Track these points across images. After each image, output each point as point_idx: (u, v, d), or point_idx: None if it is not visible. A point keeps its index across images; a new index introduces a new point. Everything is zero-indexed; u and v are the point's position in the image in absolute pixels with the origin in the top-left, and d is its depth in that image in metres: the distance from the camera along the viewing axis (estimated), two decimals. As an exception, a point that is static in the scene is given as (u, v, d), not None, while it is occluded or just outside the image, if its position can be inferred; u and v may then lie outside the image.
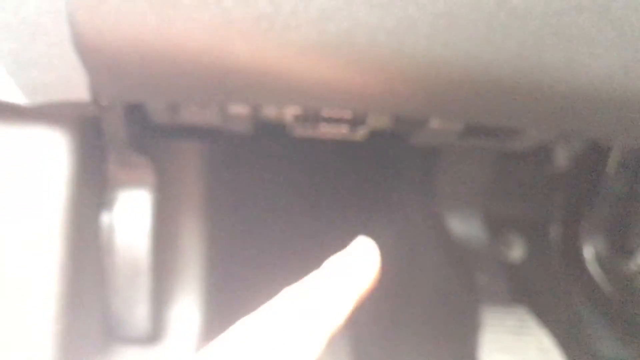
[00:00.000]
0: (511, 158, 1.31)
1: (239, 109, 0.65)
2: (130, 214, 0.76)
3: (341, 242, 1.12)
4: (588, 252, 1.23)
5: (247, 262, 1.10)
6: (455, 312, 1.10)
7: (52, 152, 0.65)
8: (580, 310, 1.24)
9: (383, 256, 1.13)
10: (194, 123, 0.70)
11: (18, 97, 0.59)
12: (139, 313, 0.80)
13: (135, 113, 0.71)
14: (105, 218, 0.76)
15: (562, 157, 1.28)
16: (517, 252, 1.34)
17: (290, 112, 0.71)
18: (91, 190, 0.73)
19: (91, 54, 0.51)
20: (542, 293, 1.22)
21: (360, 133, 0.74)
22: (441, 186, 1.23)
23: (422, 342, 1.10)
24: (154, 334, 0.84)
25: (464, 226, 1.21)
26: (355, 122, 0.73)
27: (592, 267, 1.22)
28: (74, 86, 0.59)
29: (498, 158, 1.26)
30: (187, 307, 0.86)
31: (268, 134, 0.89)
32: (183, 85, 0.53)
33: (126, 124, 0.69)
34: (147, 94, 0.58)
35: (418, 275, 1.19)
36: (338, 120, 0.73)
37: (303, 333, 0.42)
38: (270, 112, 0.71)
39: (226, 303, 0.95)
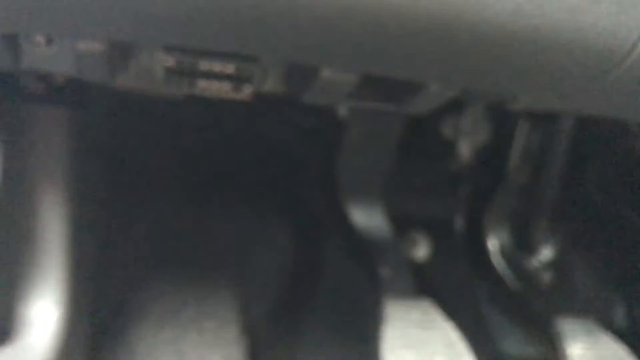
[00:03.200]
0: (414, 152, 1.28)
1: (91, 46, 0.54)
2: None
3: (232, 234, 1.02)
4: (492, 247, 1.21)
5: (118, 251, 0.97)
6: (359, 307, 1.04)
7: None
8: (484, 306, 1.22)
9: (284, 251, 1.04)
10: (40, 69, 0.59)
11: None
12: None
13: None
14: None
15: (465, 151, 1.27)
16: (422, 250, 1.30)
17: (162, 64, 0.61)
18: None
19: None
20: (447, 288, 1.19)
21: (246, 92, 0.65)
22: (343, 179, 1.18)
23: (325, 338, 1.03)
24: (0, 334, 0.71)
25: (368, 221, 1.16)
26: (240, 78, 0.65)
27: (497, 262, 1.20)
28: None
29: (401, 152, 1.23)
30: (44, 301, 0.74)
31: (140, 99, 0.79)
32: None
33: None
34: None
35: (320, 270, 1.12)
36: (219, 76, 0.64)
37: None
38: (136, 61, 0.61)
39: (94, 295, 0.82)
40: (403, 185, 1.25)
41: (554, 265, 1.19)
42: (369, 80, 0.63)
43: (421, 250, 1.29)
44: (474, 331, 0.98)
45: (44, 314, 0.74)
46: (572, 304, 1.15)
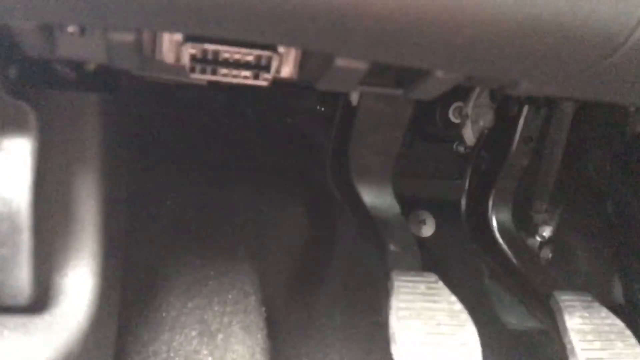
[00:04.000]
0: (421, 136, 1.32)
1: (122, 36, 0.59)
2: (6, 163, 0.69)
3: (250, 210, 1.07)
4: (495, 225, 1.25)
5: (147, 227, 1.03)
6: (369, 280, 1.08)
7: None
8: (487, 280, 1.26)
9: (299, 228, 1.08)
10: (74, 58, 0.64)
11: None
12: (19, 277, 0.71)
13: (9, 53, 0.64)
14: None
15: (470, 134, 1.30)
16: (428, 228, 1.35)
17: (187, 52, 0.66)
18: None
19: None
20: (452, 264, 1.23)
21: (264, 79, 0.70)
22: (355, 162, 1.22)
23: (338, 308, 1.08)
24: (38, 302, 0.76)
25: (378, 200, 1.20)
26: (259, 66, 0.69)
27: (500, 239, 1.23)
28: None
29: (409, 135, 1.27)
30: (79, 272, 0.79)
31: (167, 85, 0.84)
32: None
33: None
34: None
35: (333, 246, 1.16)
36: (239, 64, 0.69)
37: None
38: (164, 50, 0.66)
39: (124, 267, 0.88)
40: (411, 167, 1.28)
41: (553, 242, 1.23)
42: (379, 68, 0.68)
43: (428, 229, 1.34)
44: (476, 303, 1.02)
45: (79, 283, 0.79)
46: (571, 279, 1.19)
